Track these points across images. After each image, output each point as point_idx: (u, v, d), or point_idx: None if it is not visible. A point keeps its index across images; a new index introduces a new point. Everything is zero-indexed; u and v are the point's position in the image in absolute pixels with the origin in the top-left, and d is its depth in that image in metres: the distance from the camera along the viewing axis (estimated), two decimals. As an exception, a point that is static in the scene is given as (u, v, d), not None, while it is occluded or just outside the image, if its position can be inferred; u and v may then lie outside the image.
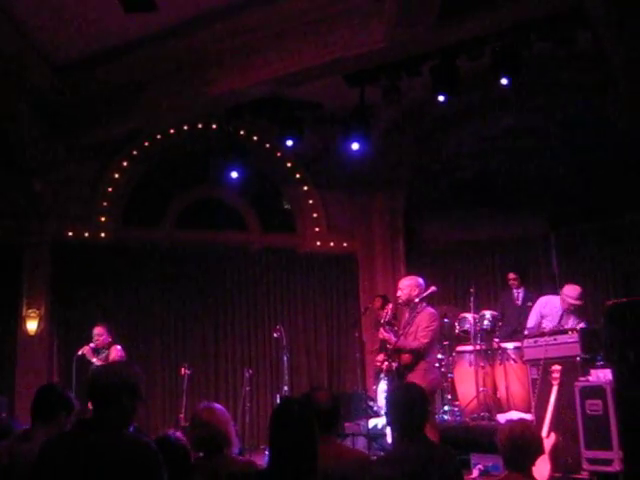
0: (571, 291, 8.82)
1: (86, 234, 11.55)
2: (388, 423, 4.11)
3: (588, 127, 11.44)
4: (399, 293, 7.38)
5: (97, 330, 9.15)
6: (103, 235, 11.67)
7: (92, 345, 9.03)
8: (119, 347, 9.13)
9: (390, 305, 7.58)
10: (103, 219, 11.70)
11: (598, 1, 7.24)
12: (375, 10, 8.59)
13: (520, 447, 3.85)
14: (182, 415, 9.93)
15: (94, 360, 8.89)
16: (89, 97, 10.61)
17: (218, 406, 4.14)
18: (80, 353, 8.97)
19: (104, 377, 3.33)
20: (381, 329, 7.23)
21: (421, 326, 7.10)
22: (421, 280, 7.51)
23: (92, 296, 11.33)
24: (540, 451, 3.93)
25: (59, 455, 3.16)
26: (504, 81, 9.31)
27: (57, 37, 9.52)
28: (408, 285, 7.39)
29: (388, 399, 4.12)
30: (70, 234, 11.43)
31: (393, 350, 7.05)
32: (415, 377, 6.83)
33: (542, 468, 6.67)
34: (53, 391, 4.48)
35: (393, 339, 7.06)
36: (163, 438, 3.85)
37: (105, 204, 11.74)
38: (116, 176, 11.83)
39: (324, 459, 3.67)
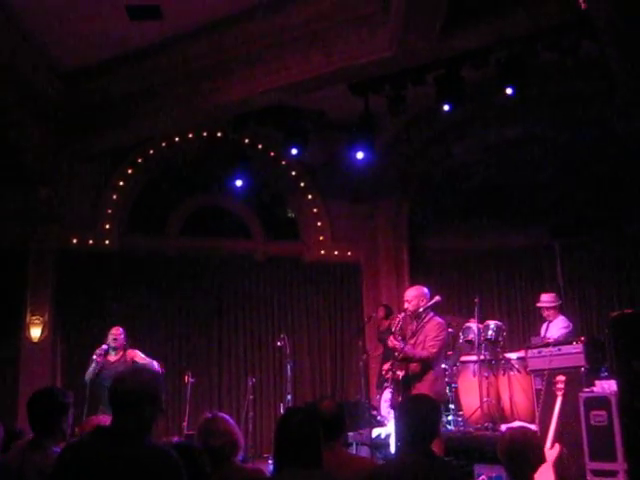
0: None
1: (91, 241, 11.56)
2: (397, 432, 4.07)
3: (592, 138, 11.43)
4: (407, 305, 7.33)
5: (117, 330, 8.71)
6: (107, 242, 11.68)
7: (105, 347, 8.55)
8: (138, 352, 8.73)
9: (402, 315, 7.51)
10: (108, 226, 11.71)
11: (603, 12, 7.25)
12: (381, 19, 8.61)
13: (521, 455, 3.81)
14: (185, 423, 9.91)
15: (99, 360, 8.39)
16: (95, 105, 10.64)
17: (226, 415, 4.14)
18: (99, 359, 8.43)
19: (127, 383, 3.27)
20: (391, 337, 7.18)
21: (430, 336, 7.06)
22: (426, 290, 7.47)
23: (96, 303, 11.31)
24: (541, 459, 3.90)
25: (78, 464, 3.13)
26: (509, 91, 9.31)
27: (63, 45, 9.55)
28: (415, 295, 7.34)
29: (400, 408, 4.09)
30: (75, 241, 11.44)
31: (401, 359, 7.02)
32: (422, 387, 6.82)
33: (546, 479, 6.66)
34: (47, 398, 4.28)
35: (402, 347, 7.02)
36: (185, 445, 3.82)
37: (110, 211, 11.75)
38: (121, 183, 11.84)
39: (329, 467, 3.66)
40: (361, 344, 10.87)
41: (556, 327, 9.41)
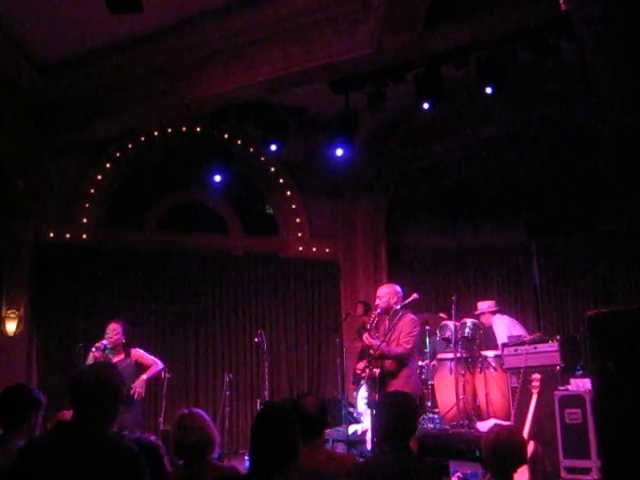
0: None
1: (67, 235, 11.46)
2: (373, 429, 4.08)
3: (569, 137, 11.51)
4: (378, 301, 7.38)
5: (112, 326, 8.07)
6: (85, 236, 11.59)
7: (105, 342, 7.90)
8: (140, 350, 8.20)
9: (377, 311, 7.54)
10: (85, 220, 11.62)
11: (584, 12, 7.29)
12: (362, 17, 8.62)
13: (504, 453, 3.80)
14: (161, 419, 9.87)
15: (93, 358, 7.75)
16: (73, 98, 10.56)
17: (202, 412, 4.13)
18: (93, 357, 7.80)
19: (85, 377, 3.29)
20: (366, 334, 7.22)
21: (403, 332, 7.11)
22: (399, 288, 7.53)
23: (72, 297, 11.22)
24: (524, 460, 3.90)
25: (39, 458, 3.13)
26: (488, 90, 9.36)
27: (42, 37, 9.47)
28: (387, 293, 7.39)
29: (377, 405, 4.10)
30: (51, 235, 11.33)
31: (376, 356, 7.04)
32: (398, 384, 6.86)
33: (521, 476, 6.69)
34: (19, 393, 4.32)
35: (377, 345, 7.04)
36: (137, 440, 3.82)
37: (87, 205, 11.66)
38: (99, 177, 11.76)
39: (311, 464, 3.66)
40: (338, 341, 10.87)
41: (500, 325, 9.56)
